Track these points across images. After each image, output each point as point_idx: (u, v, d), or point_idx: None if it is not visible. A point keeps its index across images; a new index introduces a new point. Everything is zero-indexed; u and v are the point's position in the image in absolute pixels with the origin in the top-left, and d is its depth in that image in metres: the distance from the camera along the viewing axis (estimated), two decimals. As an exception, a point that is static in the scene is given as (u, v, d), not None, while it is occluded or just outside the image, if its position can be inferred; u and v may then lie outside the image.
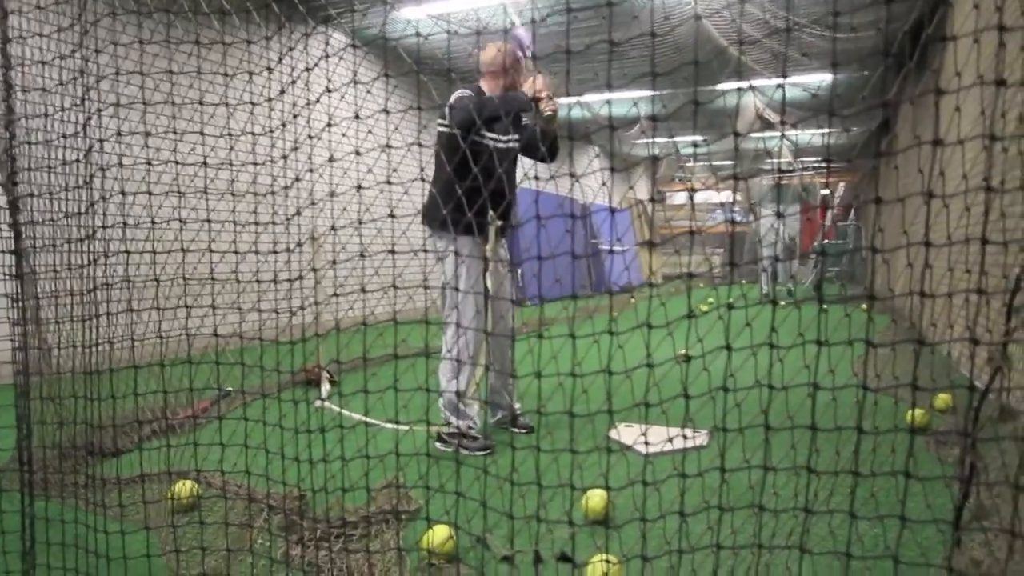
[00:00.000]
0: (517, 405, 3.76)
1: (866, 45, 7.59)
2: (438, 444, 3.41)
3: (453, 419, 3.34)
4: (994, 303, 1.32)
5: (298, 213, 1.94)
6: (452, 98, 3.28)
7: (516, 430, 3.71)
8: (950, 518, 1.48)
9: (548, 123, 3.31)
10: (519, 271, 11.12)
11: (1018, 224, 3.37)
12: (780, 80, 9.02)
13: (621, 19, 7.71)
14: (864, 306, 9.80)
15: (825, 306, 1.41)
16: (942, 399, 3.94)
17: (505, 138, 3.47)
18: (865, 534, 2.29)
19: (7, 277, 2.31)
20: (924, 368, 4.55)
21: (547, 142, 3.38)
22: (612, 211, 1.38)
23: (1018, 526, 1.32)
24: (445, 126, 3.27)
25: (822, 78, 10.42)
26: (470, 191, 3.05)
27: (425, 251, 1.52)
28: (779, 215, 1.60)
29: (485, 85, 3.49)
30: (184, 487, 2.53)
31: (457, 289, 3.19)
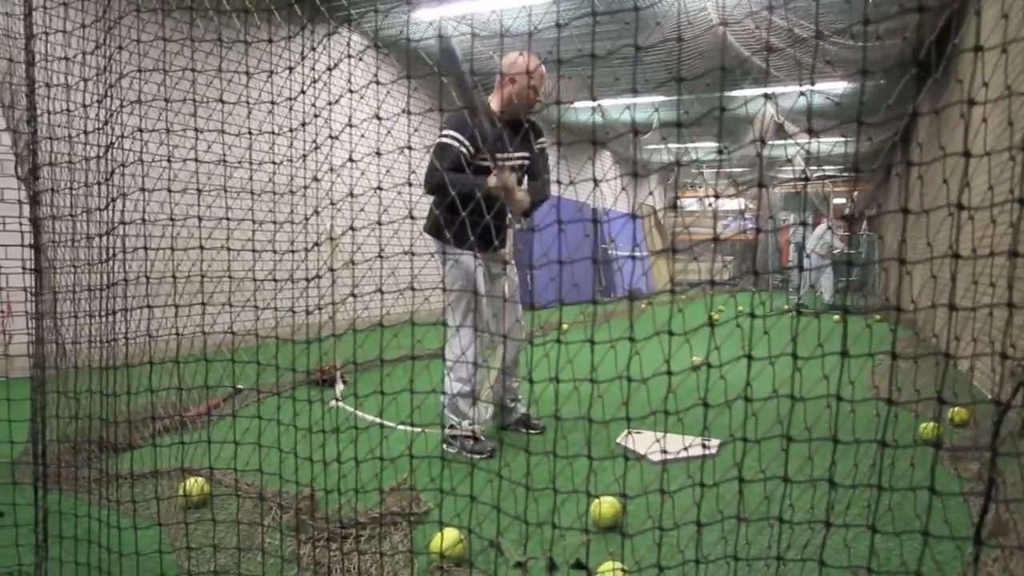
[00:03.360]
0: (522, 407, 3.75)
1: (891, 54, 7.53)
2: (444, 446, 3.40)
3: (455, 419, 3.33)
4: (1016, 318, 1.30)
5: (316, 213, 1.94)
6: (441, 134, 3.27)
7: (530, 431, 3.73)
8: (967, 533, 1.45)
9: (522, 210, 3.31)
10: (530, 275, 11.11)
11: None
12: (802, 88, 8.95)
13: (643, 24, 7.69)
14: (879, 317, 9.68)
15: (838, 317, 1.39)
16: (959, 413, 3.88)
17: (505, 156, 3.36)
18: (880, 548, 2.26)
19: (25, 271, 2.32)
20: (944, 379, 4.49)
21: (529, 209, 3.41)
22: (634, 216, 1.36)
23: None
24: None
25: (843, 86, 10.34)
26: (468, 214, 2.99)
27: (444, 253, 1.50)
28: (803, 223, 1.57)
29: (496, 96, 3.41)
30: (195, 484, 2.54)
31: (445, 289, 3.17)
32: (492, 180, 3.10)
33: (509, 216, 3.30)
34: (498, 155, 3.19)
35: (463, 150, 3.21)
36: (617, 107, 12.03)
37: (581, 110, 12.93)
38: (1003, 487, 2.45)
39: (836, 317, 8.93)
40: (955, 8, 6.29)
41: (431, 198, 3.43)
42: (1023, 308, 1.16)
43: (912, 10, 1.16)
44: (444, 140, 3.24)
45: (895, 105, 9.27)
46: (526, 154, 3.45)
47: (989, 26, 4.92)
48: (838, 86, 10.32)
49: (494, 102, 3.41)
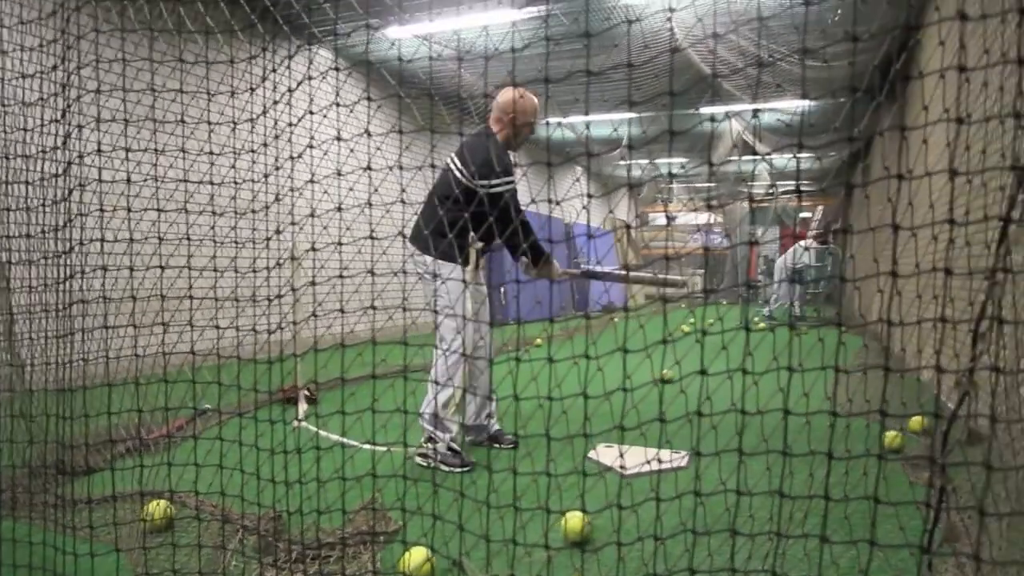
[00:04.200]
0: (496, 425, 3.77)
1: (838, 75, 7.77)
2: (418, 459, 3.40)
3: (438, 434, 3.34)
4: (962, 328, 1.36)
5: (279, 232, 1.94)
6: (472, 156, 3.34)
7: (501, 447, 3.74)
8: (921, 541, 1.50)
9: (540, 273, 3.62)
10: (502, 291, 11.13)
11: (983, 251, 3.45)
12: (757, 106, 9.19)
13: (602, 44, 7.81)
14: (845, 328, 9.84)
15: (801, 329, 1.44)
16: (916, 420, 4.00)
17: (499, 182, 3.47)
18: (840, 557, 2.31)
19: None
20: (895, 390, 4.62)
21: (522, 251, 3.59)
22: (590, 236, 1.40)
23: (985, 550, 1.35)
24: (460, 171, 3.32)
25: (798, 104, 10.61)
26: (464, 227, 3.16)
27: (404, 272, 1.53)
28: (753, 243, 1.60)
29: (495, 126, 3.52)
30: (157, 508, 2.49)
31: (437, 313, 3.21)
32: (558, 272, 3.67)
33: (472, 235, 3.33)
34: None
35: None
36: (582, 123, 12.16)
37: (543, 126, 13.04)
38: (955, 494, 2.53)
39: (804, 328, 9.13)
40: (895, 35, 6.54)
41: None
42: (962, 322, 1.22)
43: (848, 39, 1.22)
44: (514, 186, 3.37)
45: (844, 127, 9.56)
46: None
47: (928, 53, 5.12)
48: (797, 103, 10.58)
49: (495, 129, 3.53)
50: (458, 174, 3.35)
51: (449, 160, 3.45)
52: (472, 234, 3.24)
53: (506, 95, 3.51)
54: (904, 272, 1.23)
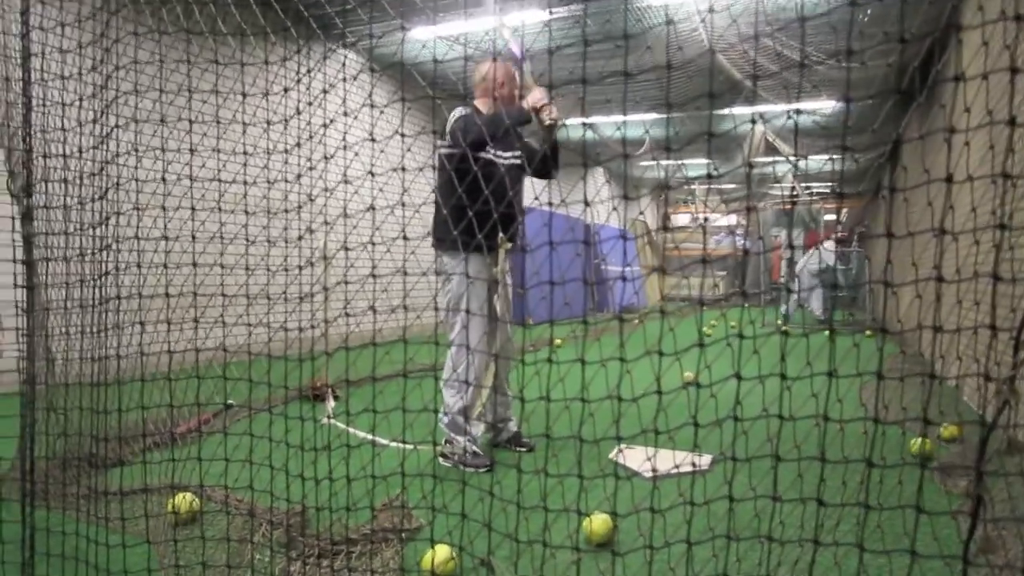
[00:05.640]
0: (513, 425, 3.76)
1: (876, 75, 7.63)
2: (441, 459, 3.41)
3: (458, 438, 3.34)
4: (1001, 336, 1.32)
5: (310, 231, 1.95)
6: (450, 121, 3.34)
7: (519, 449, 3.72)
8: (957, 551, 1.46)
9: (549, 132, 3.28)
10: (524, 292, 11.11)
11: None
12: (790, 108, 9.07)
13: (634, 45, 7.76)
14: (868, 332, 9.70)
15: (833, 332, 1.41)
16: (948, 428, 3.91)
17: (507, 154, 3.48)
18: (870, 564, 2.27)
19: (17, 287, 2.32)
20: (931, 398, 4.52)
21: (548, 151, 3.42)
22: (625, 238, 1.38)
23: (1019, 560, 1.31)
24: (448, 147, 3.30)
25: (832, 105, 10.44)
26: (477, 210, 3.05)
27: (437, 273, 1.53)
28: (791, 247, 1.58)
29: (480, 103, 3.54)
30: (184, 501, 2.52)
31: (467, 311, 3.20)
32: (537, 96, 3.17)
33: (500, 236, 3.32)
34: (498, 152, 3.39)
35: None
36: (610, 124, 12.13)
37: (574, 127, 13.03)
38: (991, 505, 2.47)
39: (837, 330, 8.98)
40: (937, 36, 6.41)
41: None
42: (1005, 329, 1.19)
43: (894, 41, 1.19)
44: (462, 113, 3.32)
45: (881, 128, 9.39)
46: (519, 152, 3.55)
47: (971, 53, 5.01)
48: (827, 104, 10.42)
49: (482, 107, 3.53)
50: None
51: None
52: (474, 220, 2.98)
53: (480, 70, 3.60)
54: (938, 276, 1.20)
